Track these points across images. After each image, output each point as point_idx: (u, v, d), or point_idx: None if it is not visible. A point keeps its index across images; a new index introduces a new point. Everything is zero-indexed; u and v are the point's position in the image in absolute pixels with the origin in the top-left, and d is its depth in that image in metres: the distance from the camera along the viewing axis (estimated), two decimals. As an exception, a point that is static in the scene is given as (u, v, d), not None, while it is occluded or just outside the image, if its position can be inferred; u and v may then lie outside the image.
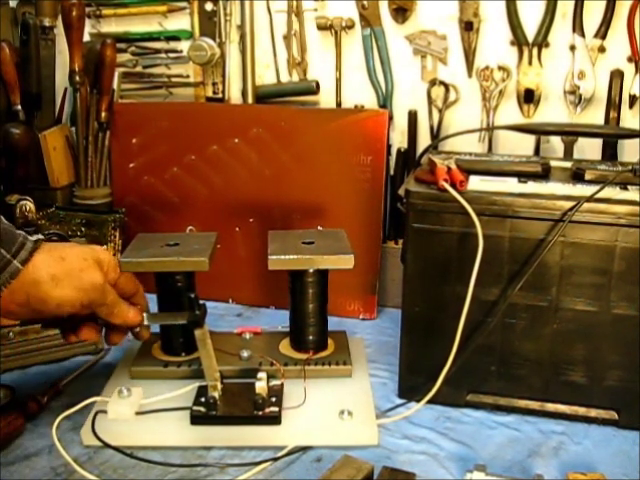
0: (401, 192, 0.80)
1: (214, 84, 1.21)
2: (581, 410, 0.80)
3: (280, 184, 1.10)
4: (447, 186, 0.75)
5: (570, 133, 0.96)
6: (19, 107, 1.13)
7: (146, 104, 1.22)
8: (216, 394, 0.76)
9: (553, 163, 0.86)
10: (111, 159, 1.18)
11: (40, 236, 0.72)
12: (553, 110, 1.04)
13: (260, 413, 0.75)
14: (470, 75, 1.06)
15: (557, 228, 0.73)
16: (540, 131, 0.93)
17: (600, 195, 0.73)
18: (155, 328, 0.88)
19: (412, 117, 1.09)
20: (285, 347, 0.90)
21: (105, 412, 0.76)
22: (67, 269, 0.70)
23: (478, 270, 0.74)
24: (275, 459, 0.72)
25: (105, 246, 1.10)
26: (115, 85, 1.18)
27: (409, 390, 0.83)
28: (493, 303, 0.78)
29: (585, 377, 0.78)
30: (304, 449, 0.74)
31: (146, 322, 0.78)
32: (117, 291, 0.77)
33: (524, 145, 1.04)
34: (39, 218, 1.07)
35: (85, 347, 0.94)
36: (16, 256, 0.67)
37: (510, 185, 0.78)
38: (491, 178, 0.80)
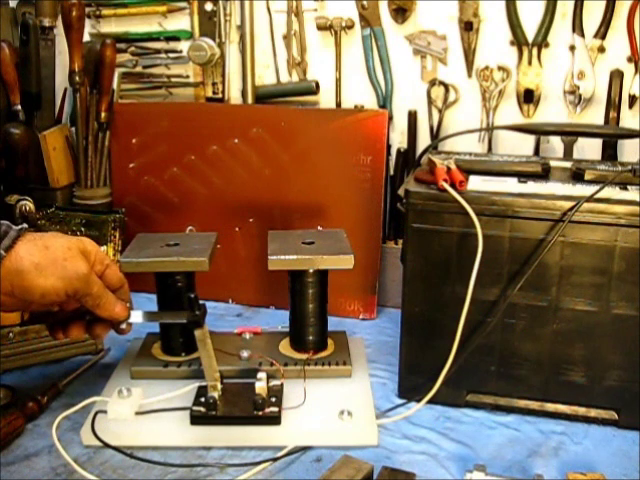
0: (401, 192, 0.80)
1: (214, 84, 1.21)
2: (581, 410, 0.80)
3: (280, 184, 1.10)
4: (447, 186, 0.75)
5: (570, 133, 0.96)
6: (19, 107, 1.13)
7: (146, 104, 1.22)
8: (216, 394, 0.77)
9: (553, 163, 0.86)
10: (111, 159, 1.18)
11: (25, 225, 0.72)
12: (553, 110, 1.04)
13: (260, 413, 0.75)
14: (470, 75, 1.06)
15: (557, 228, 0.73)
16: (540, 131, 0.93)
17: (600, 195, 0.73)
18: (155, 328, 0.89)
19: (412, 117, 1.09)
20: (285, 347, 0.90)
21: (105, 412, 0.76)
22: (51, 258, 0.69)
23: (478, 270, 0.74)
24: (275, 459, 0.72)
25: (105, 246, 1.10)
26: (115, 85, 1.18)
27: (409, 390, 0.83)
28: (493, 303, 0.78)
29: (585, 377, 0.78)
30: (304, 449, 0.74)
31: (143, 320, 0.77)
32: (105, 282, 0.76)
33: (524, 145, 1.04)
34: (39, 218, 1.07)
35: (85, 347, 0.94)
36: None
37: (510, 185, 0.78)
38: (491, 178, 0.80)
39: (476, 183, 0.79)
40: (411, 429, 0.78)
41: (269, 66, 1.17)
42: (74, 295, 0.71)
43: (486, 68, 1.05)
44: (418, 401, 0.79)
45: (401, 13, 1.06)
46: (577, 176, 0.80)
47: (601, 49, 0.99)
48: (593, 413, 0.79)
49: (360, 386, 0.84)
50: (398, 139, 1.12)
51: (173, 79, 1.23)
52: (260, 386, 0.76)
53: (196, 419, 0.75)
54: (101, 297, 0.74)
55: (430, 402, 0.78)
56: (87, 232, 1.11)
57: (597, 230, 0.73)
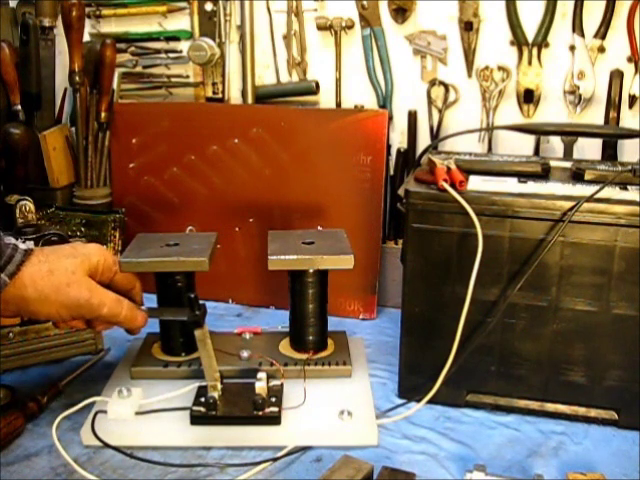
0: (401, 192, 0.80)
1: (214, 84, 1.21)
2: (581, 410, 0.80)
3: (280, 184, 1.10)
4: (447, 186, 0.75)
5: (570, 133, 0.96)
6: (19, 107, 1.13)
7: (146, 104, 1.22)
8: (216, 394, 0.77)
9: (553, 163, 0.86)
10: (111, 159, 1.18)
11: (30, 245, 0.71)
12: (553, 110, 1.04)
13: (260, 413, 0.75)
14: (470, 75, 1.06)
15: (557, 228, 0.73)
16: (540, 131, 0.93)
17: (600, 195, 0.73)
18: (155, 328, 0.89)
19: (412, 117, 1.09)
20: (285, 347, 0.90)
21: (105, 412, 0.76)
22: (55, 284, 0.69)
23: (478, 270, 0.74)
24: (275, 459, 0.72)
25: (105, 246, 1.10)
26: (115, 85, 1.18)
27: (409, 390, 0.83)
28: (493, 303, 0.78)
29: (585, 377, 0.78)
30: (304, 449, 0.74)
31: (147, 316, 0.78)
32: (114, 287, 0.77)
33: (524, 145, 1.04)
34: (39, 218, 1.07)
35: (85, 347, 0.94)
36: (4, 269, 0.67)
37: (510, 185, 0.78)
38: (491, 178, 0.80)
39: (476, 183, 0.79)
40: (411, 429, 0.78)
41: (269, 66, 1.17)
42: (80, 317, 0.72)
43: (486, 68, 1.05)
44: (418, 401, 0.79)
45: (401, 13, 1.06)
46: (577, 176, 0.80)
47: (601, 49, 0.99)
48: (593, 413, 0.79)
49: (360, 386, 0.84)
50: (398, 139, 1.12)
51: (173, 79, 1.23)
52: (260, 386, 0.76)
53: (196, 419, 0.75)
54: (116, 316, 0.74)
55: (430, 402, 0.78)
56: (87, 232, 1.11)
57: (597, 230, 0.73)
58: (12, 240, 0.70)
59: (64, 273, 0.70)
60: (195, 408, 0.76)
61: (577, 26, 0.99)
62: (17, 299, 0.68)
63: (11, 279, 0.67)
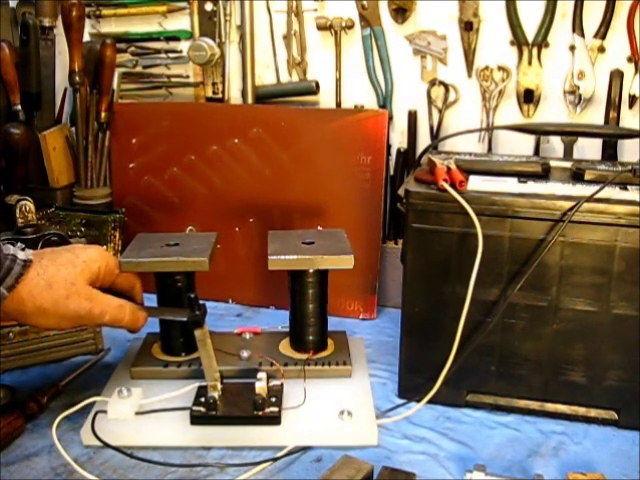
0: (401, 192, 0.80)
1: (214, 84, 1.21)
2: (581, 410, 0.80)
3: (280, 184, 1.10)
4: (447, 186, 0.75)
5: (570, 133, 0.96)
6: (19, 107, 1.13)
7: (146, 104, 1.22)
8: (216, 394, 0.77)
9: (553, 163, 0.86)
10: (111, 159, 1.18)
11: (29, 255, 0.70)
12: (553, 110, 1.04)
13: (260, 413, 0.75)
14: (470, 75, 1.06)
15: (557, 228, 0.73)
16: (540, 131, 0.93)
17: (600, 195, 0.73)
18: (155, 328, 0.89)
19: (412, 117, 1.09)
20: (285, 347, 0.90)
21: (105, 412, 0.76)
22: (54, 298, 0.69)
23: (478, 270, 0.74)
24: (275, 459, 0.72)
25: (105, 246, 1.10)
26: (115, 85, 1.18)
27: (409, 390, 0.83)
28: (493, 303, 0.78)
29: (585, 377, 0.78)
30: (304, 449, 0.74)
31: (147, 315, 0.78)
32: (115, 289, 0.76)
33: (524, 145, 1.04)
34: (39, 218, 1.07)
35: (85, 347, 0.94)
36: (2, 282, 0.66)
37: (510, 185, 0.78)
38: (491, 178, 0.80)
39: (476, 183, 0.79)
40: (411, 429, 0.78)
41: (269, 66, 1.17)
42: (82, 326, 0.72)
43: (486, 68, 1.05)
44: (418, 401, 0.79)
45: (401, 13, 1.06)
46: (577, 176, 0.80)
47: (601, 49, 0.99)
48: (593, 413, 0.79)
49: (360, 386, 0.84)
50: (398, 139, 1.12)
51: (173, 79, 1.23)
52: (260, 386, 0.76)
53: (196, 419, 0.75)
54: (119, 321, 0.74)
55: (430, 402, 0.78)
56: (87, 232, 1.11)
57: (597, 230, 0.73)
58: (11, 250, 0.69)
59: (63, 285, 0.70)
60: (195, 408, 0.76)
61: (577, 26, 0.99)
62: (16, 313, 0.68)
63: (9, 292, 0.67)
